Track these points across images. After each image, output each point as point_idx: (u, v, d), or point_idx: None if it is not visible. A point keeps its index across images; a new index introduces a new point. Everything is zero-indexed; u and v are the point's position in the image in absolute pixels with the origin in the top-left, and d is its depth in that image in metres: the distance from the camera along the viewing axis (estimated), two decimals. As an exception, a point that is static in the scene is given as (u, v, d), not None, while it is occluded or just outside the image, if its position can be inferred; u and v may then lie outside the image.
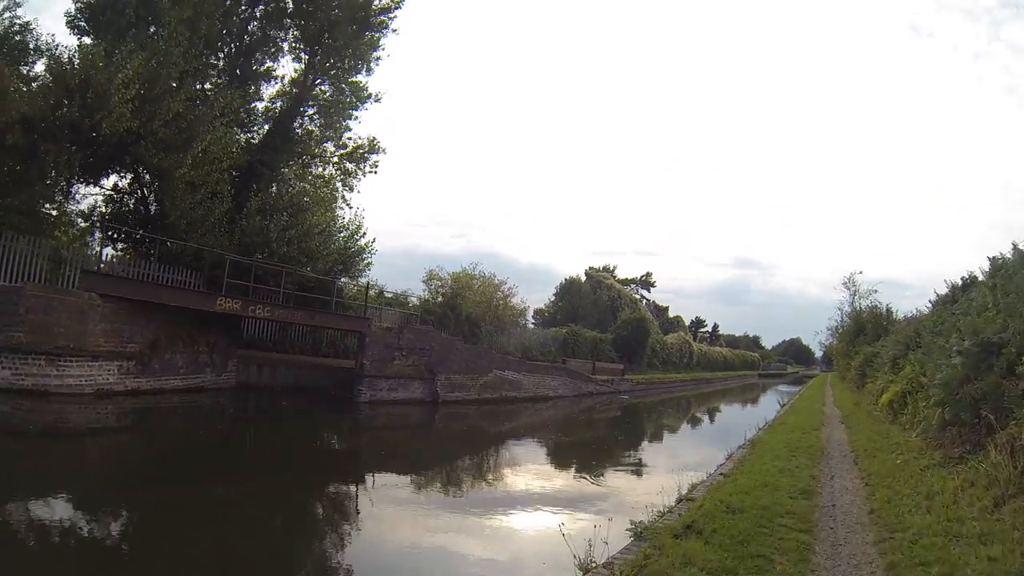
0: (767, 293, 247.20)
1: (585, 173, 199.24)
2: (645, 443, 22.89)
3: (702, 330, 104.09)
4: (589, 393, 35.70)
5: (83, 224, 23.82)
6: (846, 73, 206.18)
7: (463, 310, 33.28)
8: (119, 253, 23.98)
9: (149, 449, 14.17)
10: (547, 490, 12.86)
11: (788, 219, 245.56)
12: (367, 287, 28.22)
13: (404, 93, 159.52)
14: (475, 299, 35.27)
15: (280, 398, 22.85)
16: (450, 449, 18.58)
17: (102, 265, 20.06)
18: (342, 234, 28.32)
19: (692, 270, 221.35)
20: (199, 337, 21.31)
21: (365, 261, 31.79)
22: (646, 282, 79.78)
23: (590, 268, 64.02)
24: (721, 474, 10.02)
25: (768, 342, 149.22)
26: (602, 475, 15.44)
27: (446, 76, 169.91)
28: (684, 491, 8.67)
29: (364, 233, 33.88)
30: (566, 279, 58.75)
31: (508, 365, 29.47)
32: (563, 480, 14.86)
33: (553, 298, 58.17)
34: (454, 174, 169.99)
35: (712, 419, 36.01)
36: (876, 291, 43.07)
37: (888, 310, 33.40)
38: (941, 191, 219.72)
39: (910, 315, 24.95)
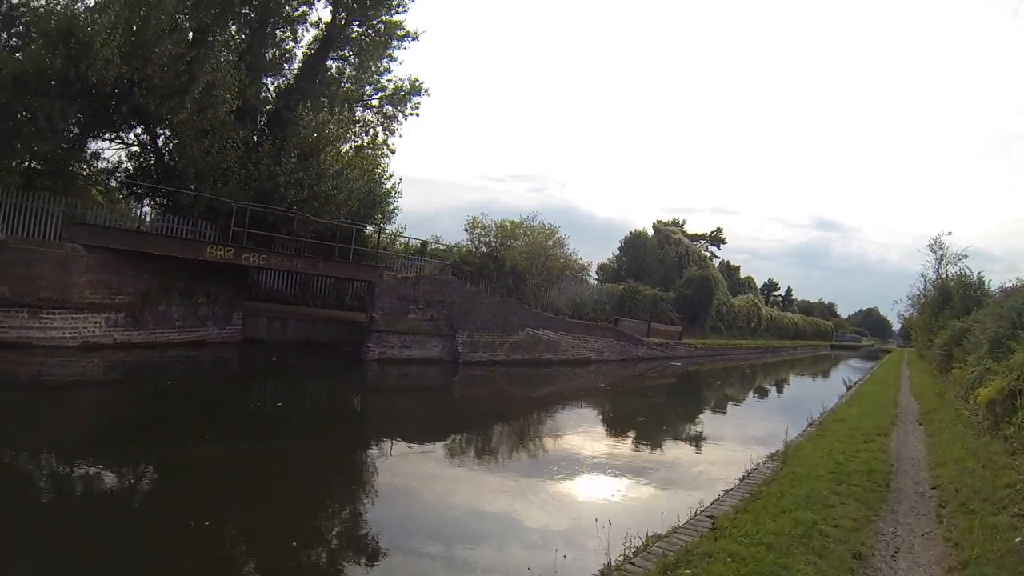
0: (847, 257, 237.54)
1: (664, 127, 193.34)
2: (661, 433, 16.24)
3: (775, 294, 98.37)
4: (640, 358, 32.54)
5: (114, 183, 23.89)
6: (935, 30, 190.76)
7: (507, 261, 30.89)
8: (155, 209, 23.62)
9: (117, 405, 13.30)
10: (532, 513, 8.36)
11: (872, 178, 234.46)
12: (379, 230, 25.97)
13: (474, 41, 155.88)
14: (522, 250, 32.72)
15: (283, 353, 21.10)
16: (459, 420, 15.65)
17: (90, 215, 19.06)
18: (362, 179, 25.61)
19: (771, 230, 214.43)
20: (197, 289, 20.20)
21: (391, 207, 29.84)
22: (716, 238, 74.55)
23: (658, 222, 60.02)
24: (710, 526, 6.02)
25: (844, 311, 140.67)
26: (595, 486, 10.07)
27: (523, 25, 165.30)
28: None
29: (390, 176, 32.28)
30: (631, 232, 54.79)
31: (544, 323, 26.65)
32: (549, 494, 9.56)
33: (617, 253, 54.42)
34: (531, 127, 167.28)
35: (771, 396, 30.48)
36: (966, 256, 37.29)
37: (980, 279, 28.10)
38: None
39: (1009, 285, 20.03)
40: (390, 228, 30.14)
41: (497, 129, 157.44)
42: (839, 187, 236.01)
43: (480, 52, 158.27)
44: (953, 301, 27.03)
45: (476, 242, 31.65)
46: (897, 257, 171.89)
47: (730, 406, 24.09)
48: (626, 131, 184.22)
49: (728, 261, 74.35)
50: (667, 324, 40.18)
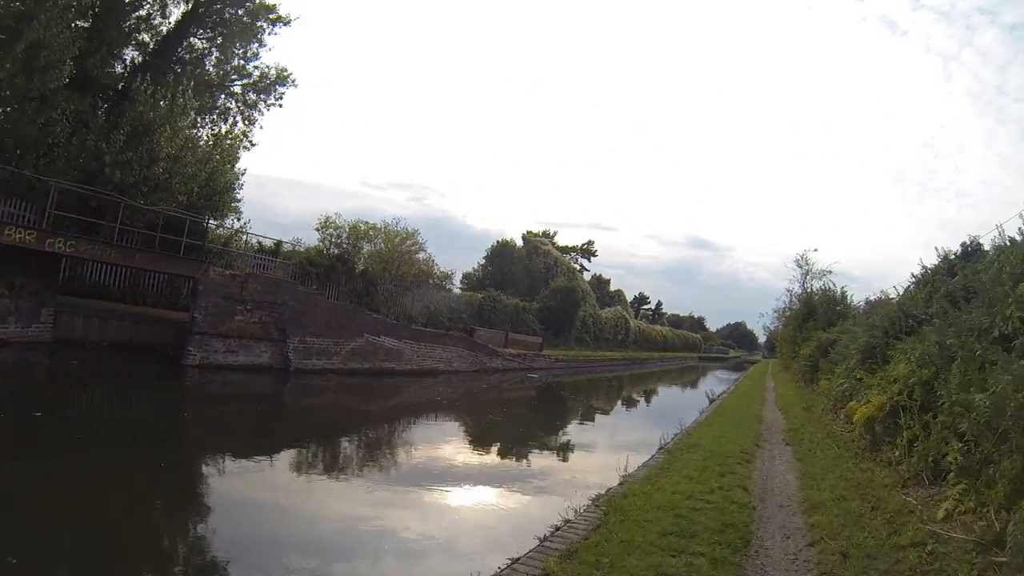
0: (718, 275, 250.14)
1: (544, 143, 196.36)
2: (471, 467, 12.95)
3: (645, 307, 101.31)
4: (494, 369, 31.62)
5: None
6: (814, 57, 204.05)
7: (357, 264, 29.45)
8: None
9: None
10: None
11: (745, 201, 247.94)
12: (206, 221, 23.88)
13: (357, 44, 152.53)
14: (375, 253, 31.38)
15: (98, 357, 18.95)
16: (285, 435, 13.85)
17: None
18: (201, 166, 23.44)
19: (646, 247, 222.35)
20: (-8, 279, 17.41)
21: (236, 200, 27.87)
22: (587, 251, 75.18)
23: (528, 232, 59.86)
24: None
25: (713, 324, 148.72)
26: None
27: (407, 32, 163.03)
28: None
29: (235, 166, 30.28)
30: (498, 241, 53.82)
31: (386, 330, 25.22)
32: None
33: (483, 262, 53.02)
34: (414, 135, 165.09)
35: (627, 410, 29.21)
36: (831, 272, 39.03)
37: (844, 293, 28.94)
38: (899, 184, 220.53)
39: (874, 298, 20.71)
40: (236, 224, 28.27)
41: (380, 136, 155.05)
42: (713, 208, 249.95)
43: (364, 56, 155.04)
44: (817, 314, 27.75)
45: (327, 243, 29.95)
46: (766, 275, 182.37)
47: (574, 425, 21.77)
48: (506, 145, 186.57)
49: (600, 275, 75.67)
50: (528, 335, 39.82)
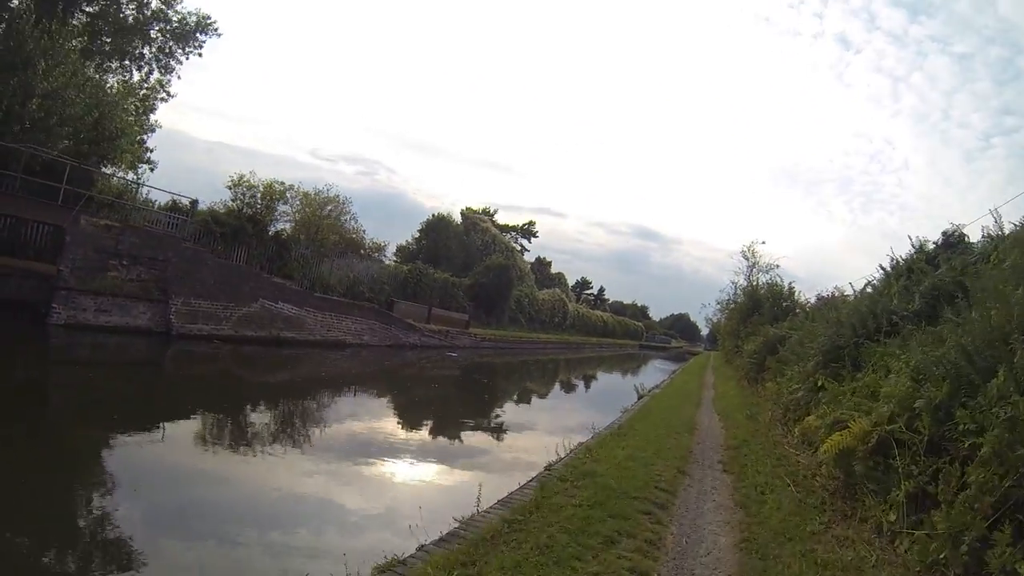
0: (665, 266, 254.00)
1: (496, 125, 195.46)
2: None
3: (587, 292, 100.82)
4: (411, 345, 29.95)
5: None
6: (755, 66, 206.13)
7: (270, 226, 27.61)
8: None
9: None
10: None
11: (692, 197, 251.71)
12: (97, 169, 21.77)
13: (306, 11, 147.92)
14: (292, 215, 29.58)
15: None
16: (167, 406, 12.20)
17: None
18: (85, 105, 21.04)
19: (594, 235, 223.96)
20: None
21: (138, 149, 25.77)
22: (528, 231, 73.75)
23: (467, 208, 58.02)
24: None
25: (657, 314, 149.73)
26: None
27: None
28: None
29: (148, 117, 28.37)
30: (434, 215, 51.28)
31: (285, 295, 23.23)
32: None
33: (417, 235, 50.33)
34: (366, 108, 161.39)
35: (541, 404, 23.89)
36: (778, 266, 38.35)
37: (791, 289, 27.82)
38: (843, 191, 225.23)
39: (826, 294, 18.75)
40: (133, 175, 26.17)
41: (332, 107, 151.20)
42: (661, 201, 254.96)
43: (311, 21, 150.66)
44: (763, 308, 26.79)
45: (240, 202, 27.93)
46: (711, 270, 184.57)
47: (471, 425, 15.91)
48: (457, 126, 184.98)
49: (542, 257, 74.57)
50: (456, 311, 38.43)
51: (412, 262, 41.13)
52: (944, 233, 12.08)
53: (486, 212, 61.48)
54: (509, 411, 20.06)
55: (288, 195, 29.15)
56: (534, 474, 7.84)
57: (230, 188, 28.26)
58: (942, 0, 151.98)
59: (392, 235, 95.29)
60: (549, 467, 7.99)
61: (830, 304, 15.82)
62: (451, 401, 19.89)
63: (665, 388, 23.42)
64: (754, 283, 37.36)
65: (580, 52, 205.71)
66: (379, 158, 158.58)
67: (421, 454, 11.70)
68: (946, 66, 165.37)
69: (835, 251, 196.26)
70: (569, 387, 32.23)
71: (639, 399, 18.46)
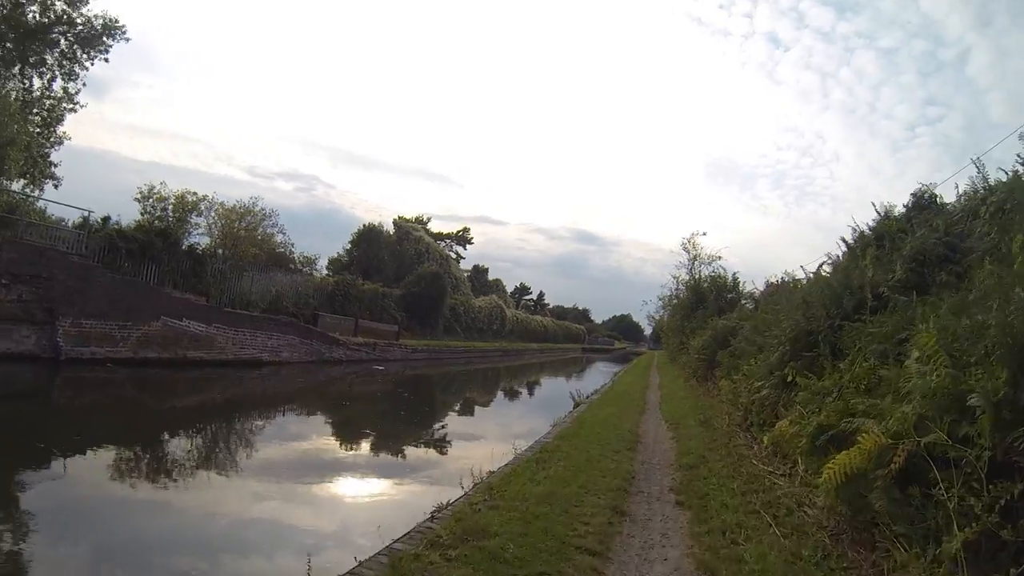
0: (605, 269, 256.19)
1: (433, 134, 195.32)
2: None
3: (527, 297, 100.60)
4: (336, 360, 28.51)
5: None
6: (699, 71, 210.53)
7: (183, 240, 26.09)
8: None
9: None
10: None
11: (632, 198, 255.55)
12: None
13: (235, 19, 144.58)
14: (209, 230, 28.18)
15: None
16: (51, 445, 10.39)
17: None
18: None
19: (534, 241, 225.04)
20: None
21: (38, 160, 24.14)
22: (463, 238, 72.95)
23: (399, 217, 56.73)
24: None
25: (599, 316, 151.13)
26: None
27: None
28: None
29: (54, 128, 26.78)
30: (364, 225, 50.00)
31: (192, 312, 21.64)
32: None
33: (349, 246, 48.97)
34: (299, 120, 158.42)
35: (479, 409, 23.51)
36: (720, 257, 37.64)
37: (736, 280, 26.74)
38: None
39: (774, 280, 17.69)
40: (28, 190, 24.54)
41: (267, 123, 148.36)
42: (600, 204, 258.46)
43: (245, 35, 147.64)
44: (707, 301, 25.96)
45: (149, 215, 26.40)
46: (653, 270, 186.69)
47: (376, 450, 14.12)
48: (393, 137, 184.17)
49: (481, 265, 73.93)
50: (387, 323, 37.29)
51: (342, 274, 39.93)
52: (913, 195, 11.37)
53: (419, 221, 60.39)
54: (425, 430, 17.31)
55: (202, 207, 27.71)
56: (413, 525, 5.70)
57: (138, 201, 26.79)
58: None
59: (332, 250, 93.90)
60: (435, 514, 5.99)
61: (782, 289, 14.90)
62: (357, 422, 17.37)
63: (605, 393, 21.40)
64: (697, 276, 36.65)
65: (513, 56, 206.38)
66: (316, 173, 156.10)
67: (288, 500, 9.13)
68: (872, 60, 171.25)
69: (771, 244, 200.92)
70: (504, 396, 30.48)
71: (575, 406, 16.96)
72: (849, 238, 11.57)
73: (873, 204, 11.37)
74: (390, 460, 13.13)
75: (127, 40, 30.53)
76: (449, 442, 15.69)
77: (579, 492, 6.94)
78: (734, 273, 27.85)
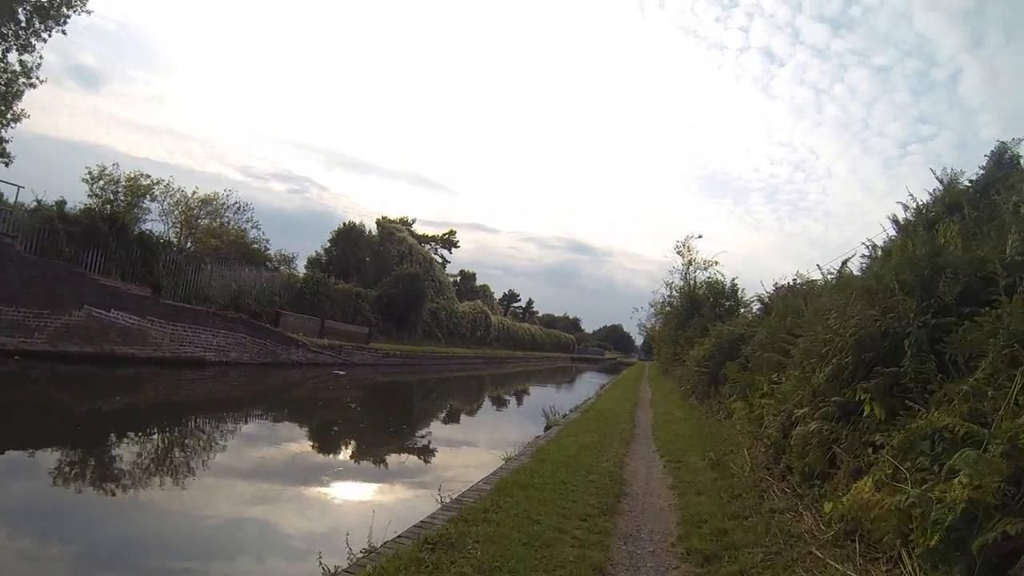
0: (596, 279, 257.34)
1: (427, 140, 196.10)
2: None
3: (515, 304, 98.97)
4: (294, 363, 26.35)
5: None
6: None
7: (130, 225, 24.22)
8: None
9: None
10: None
11: (624, 210, 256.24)
12: None
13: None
14: (165, 217, 26.41)
15: None
16: None
17: None
18: None
19: (526, 250, 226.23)
20: None
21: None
22: (449, 241, 70.90)
23: (382, 217, 54.86)
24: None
25: (590, 326, 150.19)
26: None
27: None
28: None
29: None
30: (344, 223, 47.87)
31: (122, 302, 19.38)
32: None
33: (328, 245, 46.78)
34: (294, 122, 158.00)
35: (445, 425, 20.28)
36: (717, 263, 34.00)
37: (734, 285, 24.47)
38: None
39: (783, 284, 15.20)
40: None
41: (262, 123, 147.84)
42: (593, 215, 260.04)
43: (241, 33, 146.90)
44: (703, 309, 24.09)
45: (99, 198, 24.63)
46: (644, 282, 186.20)
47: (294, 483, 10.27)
48: (388, 142, 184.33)
49: (467, 270, 72.18)
50: (360, 325, 35.50)
51: (320, 272, 38.22)
52: (989, 155, 9.64)
53: (403, 222, 58.60)
54: (371, 453, 13.71)
55: (156, 191, 25.94)
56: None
57: (86, 182, 25.02)
58: (862, 15, 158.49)
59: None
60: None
61: (787, 295, 12.61)
62: (298, 438, 14.71)
63: (586, 411, 18.26)
64: (692, 282, 34.15)
65: (511, 67, 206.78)
66: (310, 175, 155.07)
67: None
68: (866, 78, 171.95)
69: (764, 258, 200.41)
70: (467, 412, 25.44)
71: (546, 430, 14.21)
72: (901, 216, 9.65)
73: (932, 171, 9.68)
74: (318, 492, 9.99)
75: (88, 13, 28.68)
76: (332, 499, 9.84)
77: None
78: (732, 279, 25.40)
